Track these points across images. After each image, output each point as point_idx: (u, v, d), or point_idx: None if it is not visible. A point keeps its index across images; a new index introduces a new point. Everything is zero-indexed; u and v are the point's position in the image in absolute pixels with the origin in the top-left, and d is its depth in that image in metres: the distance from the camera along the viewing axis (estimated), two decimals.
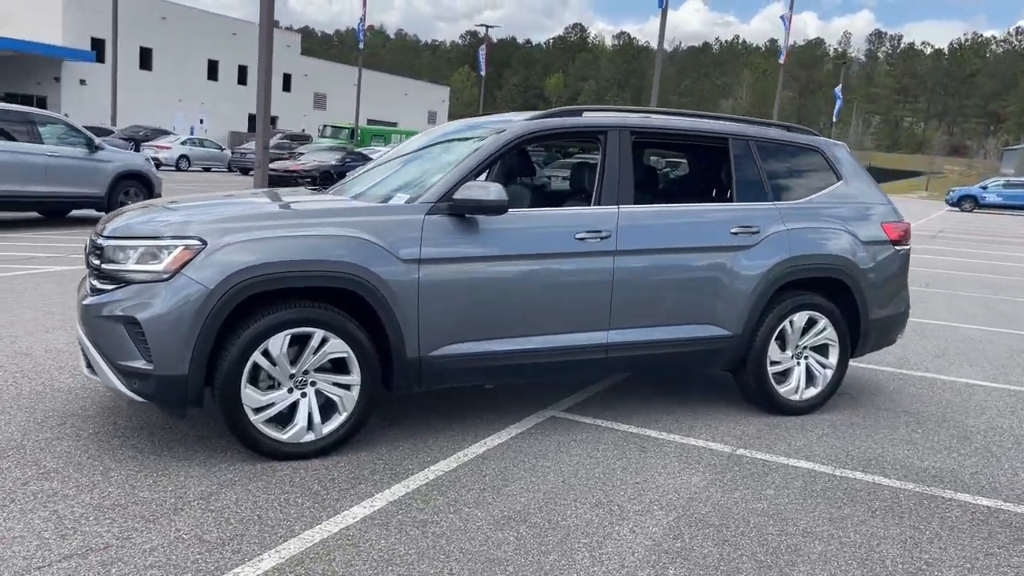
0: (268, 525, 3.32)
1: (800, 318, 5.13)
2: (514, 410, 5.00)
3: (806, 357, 5.26)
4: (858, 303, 5.29)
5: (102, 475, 3.73)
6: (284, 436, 3.99)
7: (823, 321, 5.20)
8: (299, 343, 3.99)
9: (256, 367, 3.91)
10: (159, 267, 3.81)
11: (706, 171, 6.04)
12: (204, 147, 34.29)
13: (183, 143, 33.53)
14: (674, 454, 4.42)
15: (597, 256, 4.55)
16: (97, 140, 13.44)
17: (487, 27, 60.60)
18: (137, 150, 33.77)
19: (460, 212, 4.26)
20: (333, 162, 24.79)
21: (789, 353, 5.19)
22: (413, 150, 5.34)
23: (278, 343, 3.90)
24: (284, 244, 3.92)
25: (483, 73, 56.08)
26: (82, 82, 46.50)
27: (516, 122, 4.69)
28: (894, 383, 6.26)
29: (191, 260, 3.79)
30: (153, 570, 2.92)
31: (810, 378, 5.29)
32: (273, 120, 53.35)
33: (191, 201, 4.57)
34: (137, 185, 13.90)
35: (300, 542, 3.20)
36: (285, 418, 4.03)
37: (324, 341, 4.00)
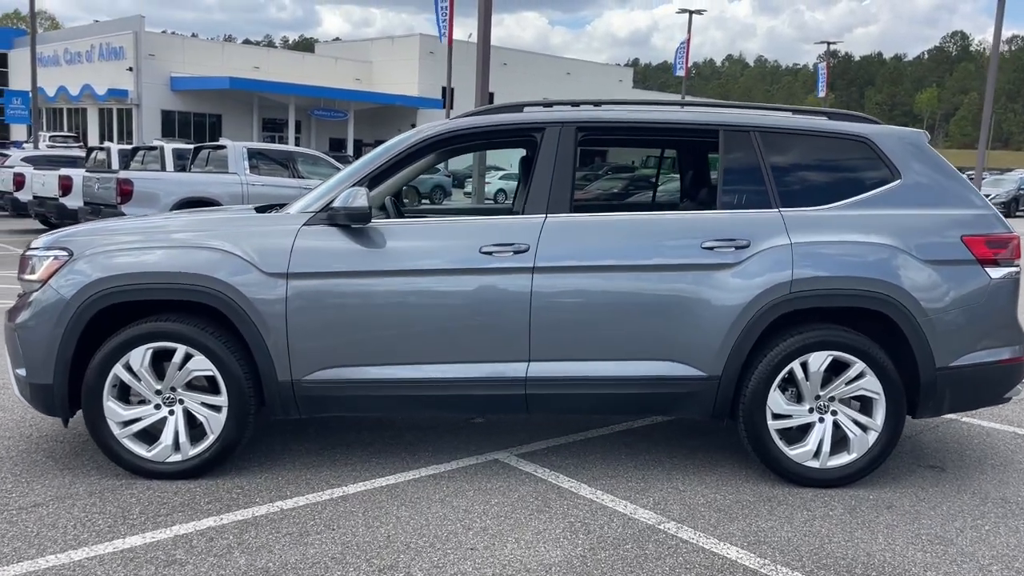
0: (24, 542, 3.22)
1: (818, 360, 3.88)
2: (465, 446, 4.41)
3: (834, 412, 3.96)
4: (912, 344, 3.88)
5: None
6: (148, 454, 3.88)
7: (858, 366, 3.88)
8: (168, 359, 3.87)
9: (123, 381, 3.86)
10: (35, 276, 3.93)
11: (692, 173, 4.91)
12: (515, 182, 36.21)
13: (500, 178, 35.70)
14: (574, 518, 3.55)
15: (509, 273, 3.85)
16: None
17: (829, 43, 56.74)
18: (456, 185, 36.62)
19: (335, 222, 3.87)
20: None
21: (805, 405, 3.95)
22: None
23: (139, 357, 3.81)
24: (140, 256, 3.84)
25: (821, 95, 52.58)
26: None
27: (436, 122, 4.17)
28: None
29: (57, 270, 3.86)
30: None
31: (841, 440, 3.97)
32: (603, 152, 55.36)
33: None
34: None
35: (29, 565, 3.05)
36: (156, 435, 3.94)
37: (188, 358, 3.84)
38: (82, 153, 21.20)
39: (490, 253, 3.85)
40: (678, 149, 5.41)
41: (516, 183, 5.84)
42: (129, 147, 17.54)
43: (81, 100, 47.32)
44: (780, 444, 3.94)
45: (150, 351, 3.82)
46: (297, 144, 45.87)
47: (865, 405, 3.96)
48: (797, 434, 3.99)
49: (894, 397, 3.90)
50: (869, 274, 3.85)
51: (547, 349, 3.88)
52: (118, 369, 3.82)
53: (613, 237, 3.93)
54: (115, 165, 16.85)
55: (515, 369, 3.89)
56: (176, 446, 3.89)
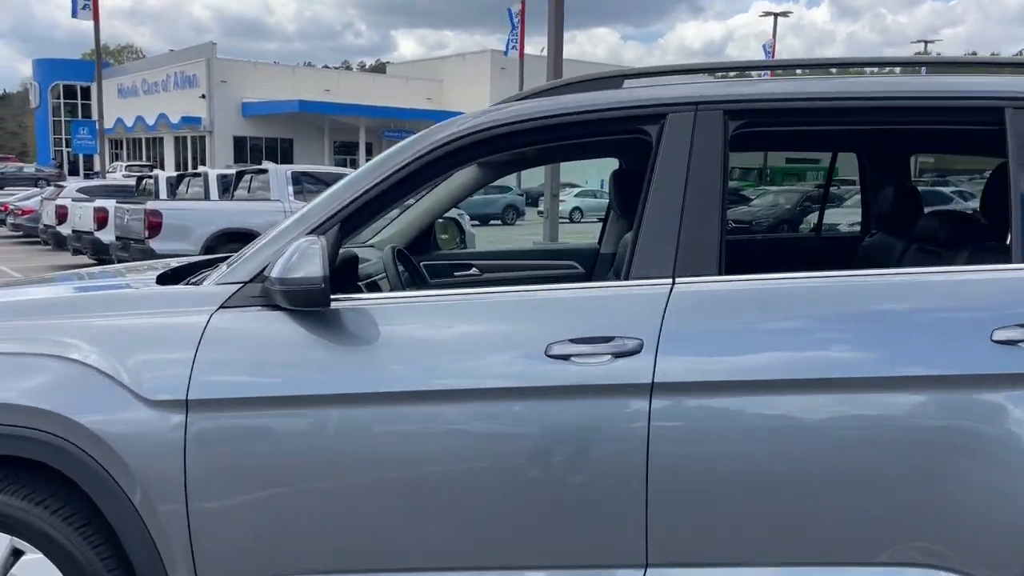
0: None
1: None
2: None
3: None
4: None
5: None
6: None
7: None
8: None
9: None
10: None
11: (897, 191, 2.93)
12: (597, 198, 34.22)
13: (576, 195, 33.83)
14: None
15: (604, 396, 1.98)
16: None
17: (926, 42, 53.22)
18: (529, 204, 34.92)
19: (273, 303, 2.07)
20: None
21: None
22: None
23: None
24: None
25: None
26: None
27: (471, 114, 2.32)
28: None
29: None
30: None
31: None
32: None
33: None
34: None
35: None
36: None
37: (15, 556, 2.10)
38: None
39: (566, 357, 1.98)
40: (884, 147, 3.43)
41: (605, 213, 3.92)
42: (175, 174, 16.34)
43: (157, 129, 47.49)
44: None
45: None
46: None
47: None
48: None
49: None
50: None
51: (681, 544, 2.00)
52: None
53: (805, 321, 2.01)
54: (163, 194, 15.65)
55: None
56: None
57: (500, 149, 2.32)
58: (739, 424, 1.96)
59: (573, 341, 1.99)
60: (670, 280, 2.04)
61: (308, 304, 1.99)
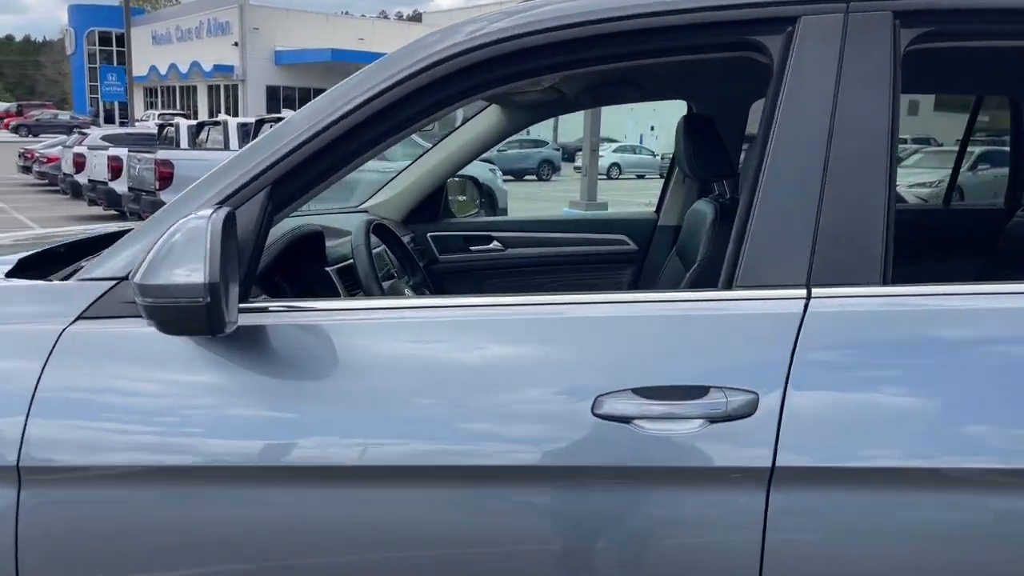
0: None
1: None
2: None
3: None
4: None
5: None
6: None
7: None
8: None
9: None
10: None
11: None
12: (637, 154, 33.08)
13: (615, 151, 32.64)
14: None
15: (689, 488, 1.18)
16: None
17: None
18: (566, 159, 33.90)
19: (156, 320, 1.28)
20: None
21: None
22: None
23: None
24: None
25: None
26: None
27: (483, 18, 1.49)
28: None
29: None
30: None
31: None
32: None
33: None
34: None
35: None
36: None
37: None
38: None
39: (627, 420, 1.18)
40: None
41: (667, 172, 3.08)
42: (195, 122, 15.65)
43: (190, 77, 46.91)
44: None
45: None
46: None
47: None
48: None
49: None
50: None
51: None
52: None
53: None
54: (183, 142, 14.98)
55: None
56: None
57: (530, 73, 1.46)
58: (928, 541, 1.16)
59: (638, 392, 1.19)
60: (803, 291, 1.23)
61: (187, 329, 1.20)
